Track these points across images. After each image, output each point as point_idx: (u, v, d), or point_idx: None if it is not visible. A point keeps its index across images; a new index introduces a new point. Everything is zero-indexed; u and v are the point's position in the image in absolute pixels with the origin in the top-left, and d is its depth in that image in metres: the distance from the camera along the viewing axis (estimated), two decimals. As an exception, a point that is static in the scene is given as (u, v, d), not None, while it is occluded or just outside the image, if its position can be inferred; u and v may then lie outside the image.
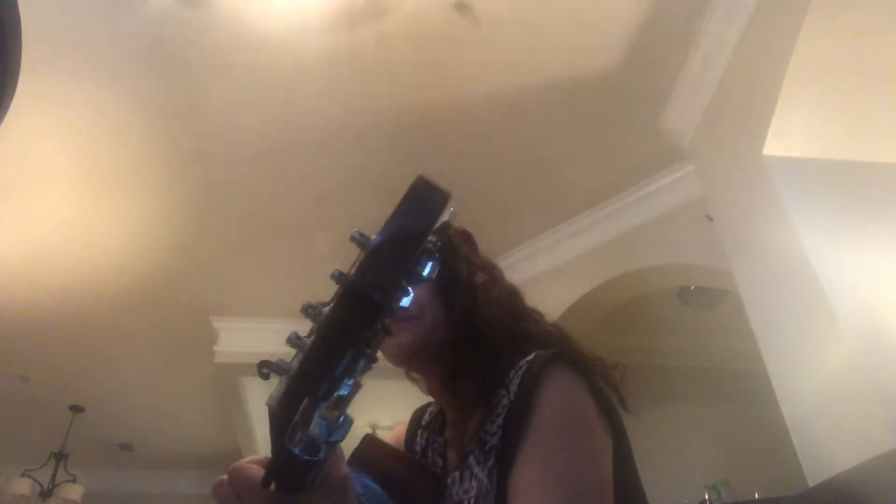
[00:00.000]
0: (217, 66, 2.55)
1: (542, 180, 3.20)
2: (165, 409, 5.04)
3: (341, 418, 0.44)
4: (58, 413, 4.86)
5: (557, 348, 0.80)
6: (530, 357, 0.79)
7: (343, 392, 0.44)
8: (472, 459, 0.76)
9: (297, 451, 0.44)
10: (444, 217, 0.51)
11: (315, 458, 0.45)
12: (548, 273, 3.36)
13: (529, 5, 2.39)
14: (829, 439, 1.87)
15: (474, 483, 0.73)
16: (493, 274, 0.97)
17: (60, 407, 4.88)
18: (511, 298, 0.95)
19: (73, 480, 4.84)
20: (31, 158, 2.90)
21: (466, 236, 1.03)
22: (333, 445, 0.45)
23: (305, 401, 0.44)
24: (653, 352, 3.99)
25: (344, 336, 0.45)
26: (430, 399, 1.03)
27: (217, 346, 4.09)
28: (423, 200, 0.47)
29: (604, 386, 0.79)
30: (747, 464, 3.55)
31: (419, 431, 0.99)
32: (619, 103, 2.78)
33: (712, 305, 3.80)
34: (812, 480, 1.89)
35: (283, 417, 0.45)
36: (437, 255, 0.49)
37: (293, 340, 0.47)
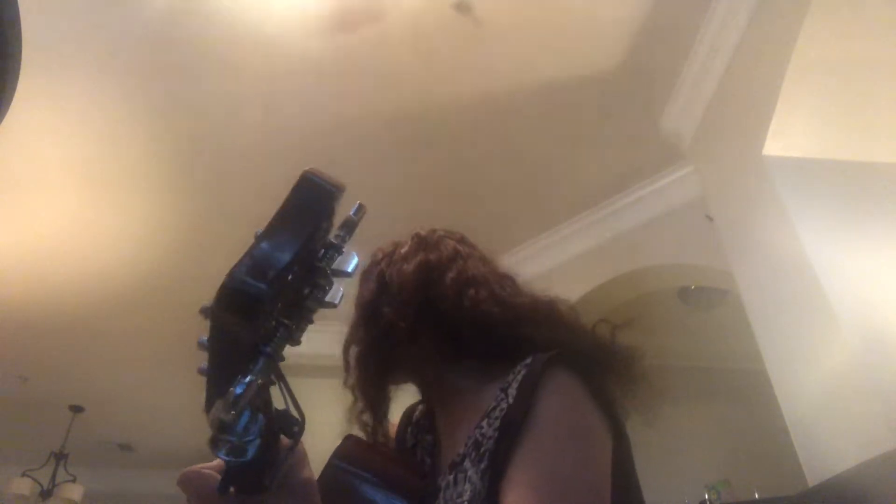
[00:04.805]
0: (218, 65, 2.55)
1: (542, 180, 3.20)
2: (165, 409, 5.02)
3: (244, 417, 0.42)
4: (58, 413, 4.86)
5: (555, 350, 0.80)
6: (528, 360, 0.78)
7: (238, 390, 0.41)
8: (467, 462, 0.75)
9: (222, 456, 0.43)
10: (350, 211, 0.49)
11: (243, 460, 0.44)
12: (548, 273, 3.36)
13: (530, 5, 2.39)
14: (829, 439, 1.87)
15: (468, 486, 0.72)
16: (490, 287, 0.90)
17: (60, 407, 4.88)
18: (504, 308, 0.88)
19: (73, 480, 4.83)
20: (32, 157, 2.90)
21: (464, 241, 0.98)
22: (257, 444, 0.43)
23: (216, 405, 0.42)
24: (653, 352, 3.98)
25: (228, 334, 0.43)
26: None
27: (217, 346, 4.08)
28: (307, 195, 0.45)
29: (605, 387, 0.79)
30: (747, 464, 3.55)
31: (409, 429, 0.99)
32: (619, 103, 2.78)
33: (712, 305, 3.80)
34: (812, 480, 1.90)
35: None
36: (344, 248, 0.47)
37: (203, 343, 0.46)
